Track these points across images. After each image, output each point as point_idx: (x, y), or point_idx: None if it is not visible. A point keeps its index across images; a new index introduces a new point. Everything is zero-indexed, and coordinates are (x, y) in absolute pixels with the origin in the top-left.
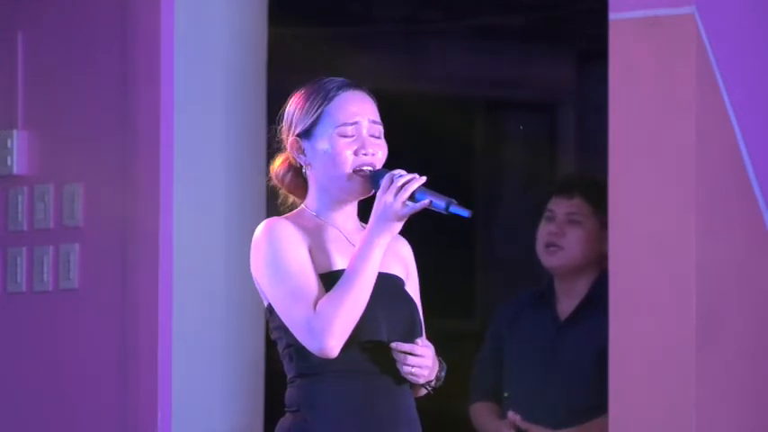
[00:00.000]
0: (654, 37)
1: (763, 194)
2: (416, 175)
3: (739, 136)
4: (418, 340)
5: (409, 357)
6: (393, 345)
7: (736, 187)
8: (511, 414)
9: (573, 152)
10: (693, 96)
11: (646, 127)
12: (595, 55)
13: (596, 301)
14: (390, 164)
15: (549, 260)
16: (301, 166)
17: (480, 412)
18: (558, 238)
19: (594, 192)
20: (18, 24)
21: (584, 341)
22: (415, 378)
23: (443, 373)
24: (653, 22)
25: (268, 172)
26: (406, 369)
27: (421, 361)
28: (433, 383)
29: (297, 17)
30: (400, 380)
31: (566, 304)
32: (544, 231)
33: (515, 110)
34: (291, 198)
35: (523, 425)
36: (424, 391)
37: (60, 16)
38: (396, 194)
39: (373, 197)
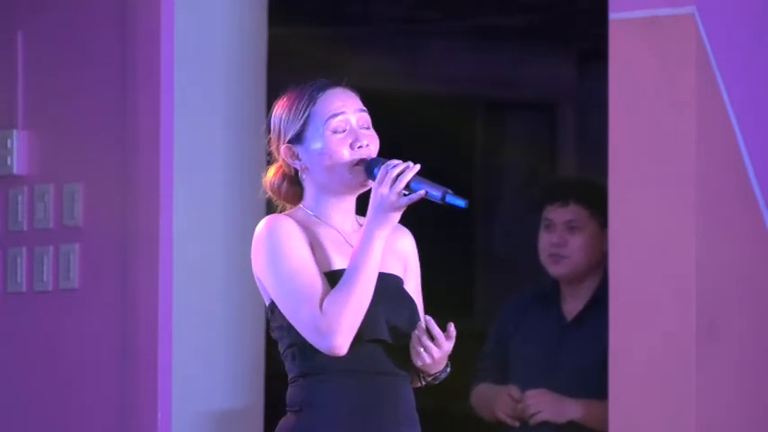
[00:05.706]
0: (654, 37)
1: (763, 194)
2: (410, 164)
3: (739, 136)
4: (451, 327)
5: (426, 339)
6: (428, 318)
7: (736, 187)
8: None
9: (573, 152)
10: (693, 96)
11: (646, 127)
12: (595, 55)
13: (602, 302)
14: None
15: (554, 269)
16: (296, 174)
17: (484, 388)
18: (560, 248)
19: (589, 194)
20: (18, 24)
21: (590, 342)
22: (417, 359)
23: (443, 376)
24: (653, 22)
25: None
26: (417, 348)
27: (434, 350)
28: (429, 379)
29: (297, 17)
30: (402, 379)
31: (572, 305)
32: (545, 241)
33: (515, 110)
34: (288, 208)
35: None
36: (419, 384)
37: (60, 16)
38: (391, 186)
39: (369, 194)
